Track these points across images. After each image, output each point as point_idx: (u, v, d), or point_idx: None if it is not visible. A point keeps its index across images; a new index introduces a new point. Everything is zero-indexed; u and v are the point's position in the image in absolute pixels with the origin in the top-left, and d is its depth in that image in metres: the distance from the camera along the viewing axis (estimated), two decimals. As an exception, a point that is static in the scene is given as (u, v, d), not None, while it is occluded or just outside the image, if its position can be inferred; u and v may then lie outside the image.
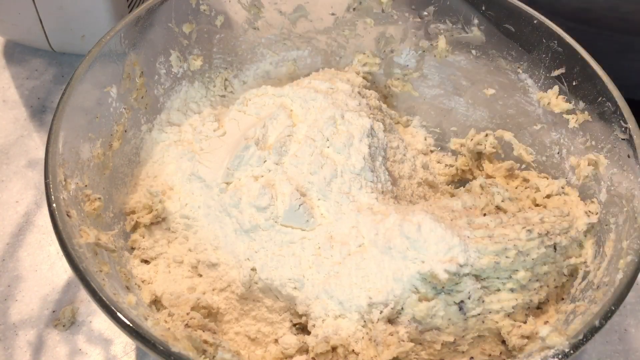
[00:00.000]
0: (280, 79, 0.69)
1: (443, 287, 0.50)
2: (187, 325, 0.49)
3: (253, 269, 0.54)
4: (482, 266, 0.50)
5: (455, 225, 0.52)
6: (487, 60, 0.63)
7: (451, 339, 0.50)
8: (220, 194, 0.57)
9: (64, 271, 0.59)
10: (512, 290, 0.51)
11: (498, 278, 0.51)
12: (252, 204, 0.54)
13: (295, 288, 0.53)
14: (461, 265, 0.50)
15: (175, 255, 0.56)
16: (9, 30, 0.74)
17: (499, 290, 0.51)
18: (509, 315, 0.51)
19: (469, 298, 0.50)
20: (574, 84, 0.57)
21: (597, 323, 0.42)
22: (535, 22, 0.59)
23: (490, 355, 0.50)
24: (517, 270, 0.51)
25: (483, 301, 0.51)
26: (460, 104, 0.67)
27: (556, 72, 0.58)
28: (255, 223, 0.54)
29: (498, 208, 0.57)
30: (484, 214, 0.54)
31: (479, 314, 0.51)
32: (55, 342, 0.56)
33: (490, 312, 0.51)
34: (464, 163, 0.66)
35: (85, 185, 0.51)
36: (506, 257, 0.50)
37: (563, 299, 0.52)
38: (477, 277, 0.51)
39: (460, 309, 0.50)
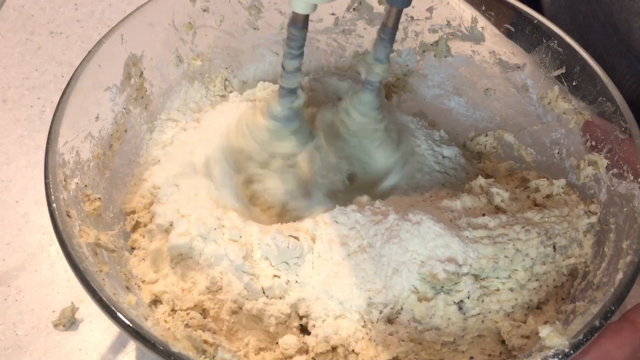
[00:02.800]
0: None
1: (442, 287, 0.50)
2: (187, 325, 0.49)
3: (240, 307, 0.52)
4: (481, 266, 0.50)
5: (455, 225, 0.52)
6: (487, 60, 0.63)
7: (451, 338, 0.50)
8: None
9: (64, 271, 0.59)
10: (511, 290, 0.51)
11: (497, 278, 0.51)
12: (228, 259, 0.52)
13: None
14: (460, 265, 0.50)
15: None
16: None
17: (498, 290, 0.51)
18: (508, 315, 0.51)
19: (468, 298, 0.50)
20: (574, 84, 0.57)
21: (597, 323, 0.42)
22: (535, 22, 0.59)
23: (490, 355, 0.50)
24: (516, 270, 0.51)
25: (482, 301, 0.51)
26: (460, 104, 0.67)
27: (556, 72, 0.58)
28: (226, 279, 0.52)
29: (497, 208, 0.57)
30: (483, 214, 0.54)
31: (478, 314, 0.51)
32: (55, 342, 0.56)
33: (489, 312, 0.51)
34: (464, 163, 0.66)
35: (85, 185, 0.51)
36: (505, 256, 0.50)
37: (563, 299, 0.52)
38: (477, 277, 0.51)
39: (460, 308, 0.50)
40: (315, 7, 0.48)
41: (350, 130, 0.58)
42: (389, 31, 0.52)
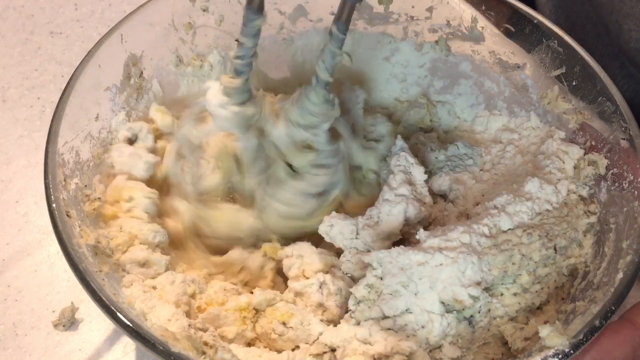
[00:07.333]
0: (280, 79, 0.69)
1: (464, 309, 0.49)
2: (189, 326, 0.49)
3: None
4: (493, 278, 0.49)
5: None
6: (487, 60, 0.63)
7: (459, 353, 0.49)
8: None
9: (64, 271, 0.59)
10: (515, 294, 0.50)
11: (502, 284, 0.50)
12: None
13: None
14: (478, 284, 0.49)
15: None
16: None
17: (502, 294, 0.50)
18: (512, 319, 0.50)
19: (479, 312, 0.49)
20: (574, 84, 0.57)
21: (597, 323, 0.42)
22: (535, 22, 0.59)
23: (492, 358, 0.49)
24: (520, 274, 0.50)
25: (489, 310, 0.50)
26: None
27: (556, 72, 0.58)
28: None
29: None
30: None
31: (485, 324, 0.50)
32: (55, 342, 0.56)
33: (494, 319, 0.50)
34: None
35: (85, 186, 0.51)
36: (512, 263, 0.50)
37: (563, 299, 0.52)
38: (488, 289, 0.50)
39: (470, 323, 0.49)
40: None
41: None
42: (342, 26, 0.51)
